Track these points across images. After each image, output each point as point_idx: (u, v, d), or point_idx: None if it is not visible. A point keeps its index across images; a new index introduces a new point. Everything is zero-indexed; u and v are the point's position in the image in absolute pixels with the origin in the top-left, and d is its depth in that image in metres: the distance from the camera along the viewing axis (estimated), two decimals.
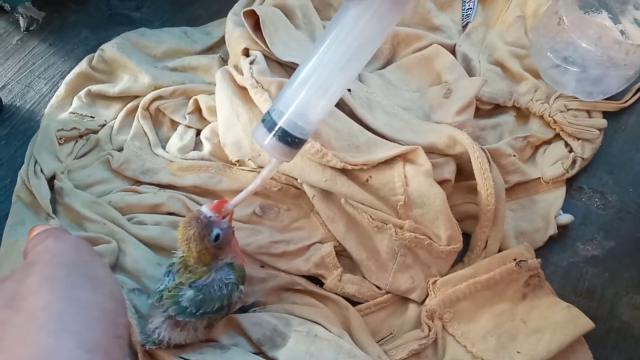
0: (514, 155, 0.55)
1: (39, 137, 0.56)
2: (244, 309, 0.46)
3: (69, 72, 0.61)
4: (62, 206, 0.52)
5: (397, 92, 0.57)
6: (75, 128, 0.56)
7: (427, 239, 0.48)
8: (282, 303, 0.48)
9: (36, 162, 0.54)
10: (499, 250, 0.51)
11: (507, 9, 0.66)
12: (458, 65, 0.59)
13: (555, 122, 0.57)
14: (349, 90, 0.54)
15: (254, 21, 0.54)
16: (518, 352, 0.45)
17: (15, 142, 0.57)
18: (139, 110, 0.58)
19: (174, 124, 0.59)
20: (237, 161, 0.53)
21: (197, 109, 0.58)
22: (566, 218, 0.54)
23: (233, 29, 0.56)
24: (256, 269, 0.50)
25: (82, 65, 0.61)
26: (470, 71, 0.60)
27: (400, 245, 0.49)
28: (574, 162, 0.56)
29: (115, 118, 0.59)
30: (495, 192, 0.49)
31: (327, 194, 0.50)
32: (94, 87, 0.59)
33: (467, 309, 0.48)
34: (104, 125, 0.58)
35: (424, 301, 0.50)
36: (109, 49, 0.61)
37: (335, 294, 0.49)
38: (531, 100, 0.59)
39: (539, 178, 0.56)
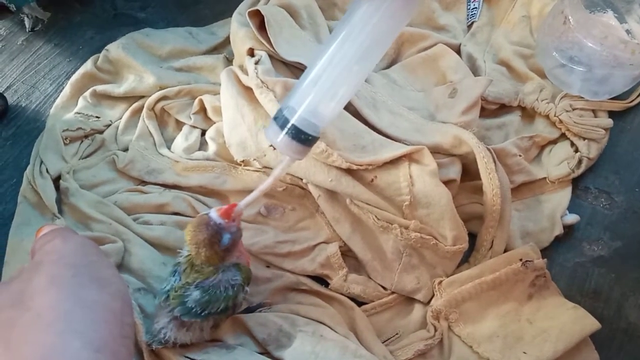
0: (520, 155, 0.54)
1: (44, 138, 0.56)
2: (250, 310, 0.46)
3: (74, 72, 0.61)
4: (67, 206, 0.52)
5: (402, 92, 0.57)
6: (80, 128, 0.56)
7: (432, 239, 0.48)
8: (287, 303, 0.48)
9: (42, 162, 0.54)
10: (505, 251, 0.51)
11: (512, 8, 0.66)
12: (463, 65, 0.59)
13: (560, 121, 0.57)
14: None
15: (259, 21, 0.54)
16: (524, 352, 0.45)
17: (21, 143, 0.58)
18: (144, 110, 0.58)
19: (179, 124, 0.59)
20: (242, 161, 0.53)
21: (202, 109, 0.58)
22: (572, 218, 0.54)
23: (238, 29, 0.56)
24: (261, 269, 0.50)
25: (88, 65, 0.61)
26: (475, 71, 0.60)
27: (405, 245, 0.49)
28: (579, 162, 0.56)
29: (121, 118, 0.59)
30: (501, 192, 0.49)
31: (332, 194, 0.50)
32: (99, 88, 0.59)
33: (473, 310, 0.47)
34: (109, 125, 0.58)
35: (429, 301, 0.49)
36: (114, 49, 0.61)
37: (341, 294, 0.49)
38: (537, 100, 0.58)
39: (544, 178, 0.55)
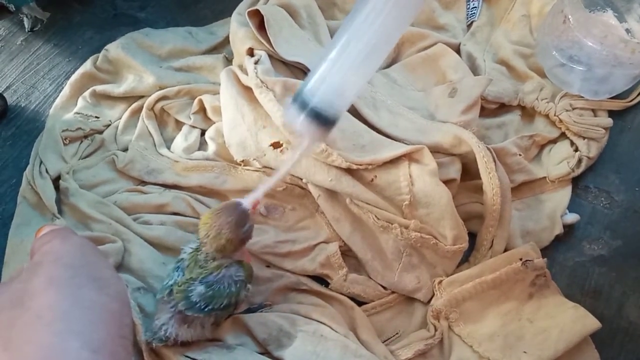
0: (520, 155, 0.54)
1: (44, 138, 0.56)
2: (251, 311, 0.46)
3: (73, 72, 0.61)
4: (67, 206, 0.52)
5: (402, 92, 0.57)
6: (80, 128, 0.56)
7: (432, 239, 0.48)
8: (287, 303, 0.48)
9: (41, 162, 0.54)
10: (505, 250, 0.51)
11: (512, 7, 0.66)
12: (463, 65, 0.59)
13: (560, 121, 0.57)
14: None
15: (259, 21, 0.54)
16: (525, 352, 0.45)
17: (21, 143, 0.58)
18: (144, 110, 0.58)
19: (179, 124, 0.59)
20: (242, 161, 0.53)
21: (202, 109, 0.58)
22: (572, 217, 0.54)
23: (237, 29, 0.55)
24: (262, 268, 0.50)
25: (87, 65, 0.61)
26: (475, 70, 0.60)
27: (405, 245, 0.49)
28: (579, 161, 0.56)
29: (120, 118, 0.59)
30: (501, 192, 0.49)
31: (332, 194, 0.50)
32: (99, 88, 0.59)
33: (473, 309, 0.47)
34: (108, 125, 0.58)
35: (429, 301, 0.49)
36: (114, 49, 0.61)
37: (341, 294, 0.49)
38: (536, 99, 0.58)
39: (544, 177, 0.55)
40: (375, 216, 0.48)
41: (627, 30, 0.56)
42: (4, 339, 0.28)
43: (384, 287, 0.50)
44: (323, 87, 0.39)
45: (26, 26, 0.66)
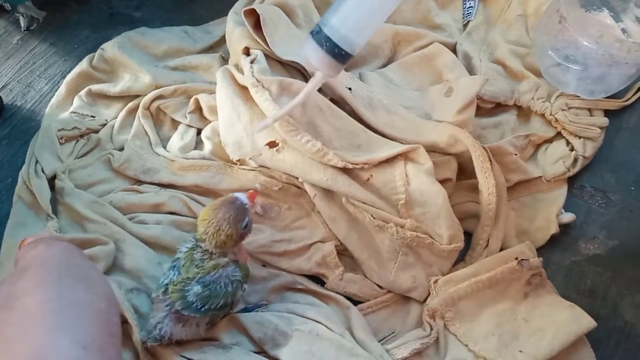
0: (516, 154, 0.54)
1: (39, 137, 0.56)
2: (248, 310, 0.46)
3: (69, 71, 0.61)
4: (63, 206, 0.52)
5: (399, 91, 0.57)
6: (76, 127, 0.56)
7: (428, 238, 0.48)
8: (283, 302, 0.48)
9: (37, 161, 0.54)
10: (501, 249, 0.51)
11: (508, 7, 0.66)
12: (459, 64, 0.59)
13: (556, 120, 0.57)
14: (350, 89, 0.54)
15: (255, 20, 0.54)
16: (520, 351, 0.45)
17: (16, 142, 0.58)
18: (140, 109, 0.58)
19: (175, 123, 0.59)
20: (238, 160, 0.53)
21: (198, 108, 0.58)
22: (568, 217, 0.54)
23: (234, 28, 0.55)
24: (257, 268, 0.50)
25: (83, 64, 0.61)
26: (471, 70, 0.60)
27: (401, 244, 0.49)
28: (575, 160, 0.56)
29: (116, 117, 0.59)
30: (497, 191, 0.49)
31: (328, 193, 0.50)
32: (95, 87, 0.59)
33: (468, 308, 0.47)
34: (104, 124, 0.58)
35: (425, 300, 0.50)
36: (110, 48, 0.61)
37: (337, 293, 0.49)
38: (532, 98, 0.58)
39: (540, 177, 0.55)
40: (371, 215, 0.48)
41: (623, 30, 0.56)
42: None
43: (380, 286, 0.50)
44: (346, 26, 0.41)
45: (22, 25, 0.66)
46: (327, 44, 0.41)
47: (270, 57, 0.54)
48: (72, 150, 0.56)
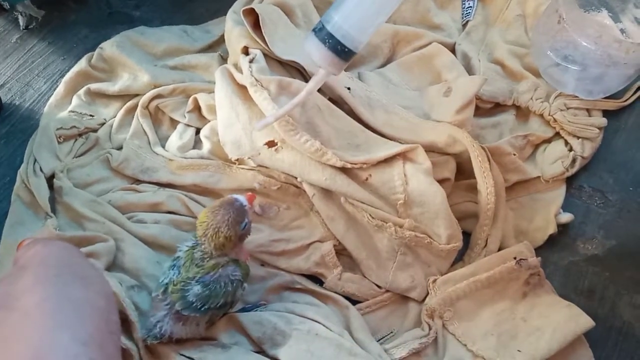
0: (514, 154, 0.55)
1: (38, 136, 0.56)
2: (246, 309, 0.46)
3: (68, 70, 0.61)
4: (61, 205, 0.52)
5: (397, 91, 0.57)
6: (74, 127, 0.56)
7: (427, 238, 0.48)
8: (282, 302, 0.48)
9: (35, 160, 0.54)
10: (499, 249, 0.51)
11: (507, 7, 0.66)
12: (458, 64, 0.59)
13: (555, 120, 0.57)
14: (349, 88, 0.54)
15: (254, 20, 0.54)
16: (519, 350, 0.45)
17: (15, 141, 0.57)
18: (139, 108, 0.58)
19: (174, 123, 0.59)
20: (237, 160, 0.53)
21: (197, 108, 0.58)
22: (566, 217, 0.54)
23: (233, 28, 0.55)
24: (256, 267, 0.50)
25: (82, 63, 0.61)
26: (470, 70, 0.60)
27: (400, 243, 0.49)
28: (574, 160, 0.56)
29: (115, 117, 0.59)
30: (496, 191, 0.49)
31: (327, 193, 0.50)
32: (94, 86, 0.59)
33: (467, 308, 0.48)
34: (103, 123, 0.58)
35: (424, 300, 0.50)
36: (109, 47, 0.61)
37: (336, 292, 0.49)
38: (531, 99, 0.59)
39: (539, 177, 0.56)
40: (370, 215, 0.48)
41: (622, 30, 0.56)
42: None
43: (379, 286, 0.50)
44: (349, 23, 0.41)
45: (21, 24, 0.65)
46: (330, 41, 0.41)
47: (269, 57, 0.54)
48: (71, 149, 0.56)
